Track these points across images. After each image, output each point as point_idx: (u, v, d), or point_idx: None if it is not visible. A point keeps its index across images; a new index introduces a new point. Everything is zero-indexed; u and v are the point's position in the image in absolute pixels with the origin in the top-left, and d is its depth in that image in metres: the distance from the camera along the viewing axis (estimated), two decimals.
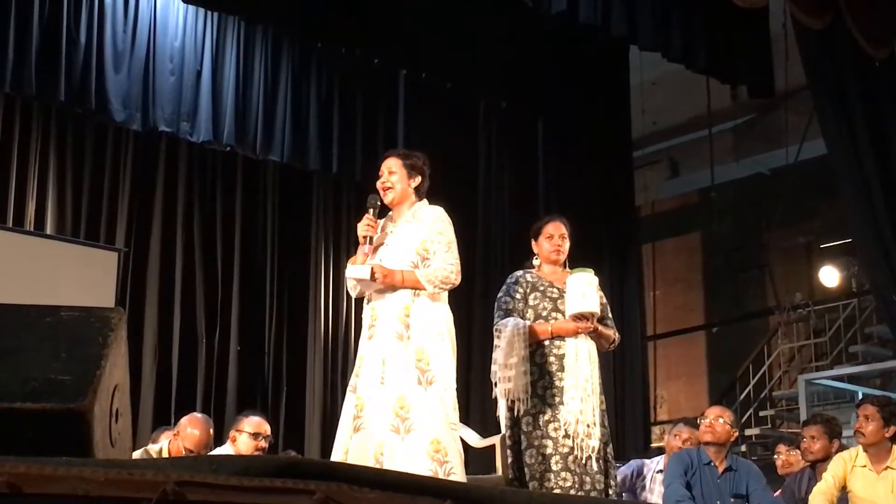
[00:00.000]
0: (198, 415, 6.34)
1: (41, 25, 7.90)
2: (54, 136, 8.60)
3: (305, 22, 9.28)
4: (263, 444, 6.12)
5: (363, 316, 4.74)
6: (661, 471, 6.56)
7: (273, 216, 9.92)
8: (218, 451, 6.15)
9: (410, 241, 4.69)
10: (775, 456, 7.33)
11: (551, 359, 5.09)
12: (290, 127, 9.17)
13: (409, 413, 4.40)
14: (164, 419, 8.35)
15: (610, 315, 5.41)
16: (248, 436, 6.09)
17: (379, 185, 4.83)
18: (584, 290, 5.08)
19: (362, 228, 4.71)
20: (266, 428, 6.21)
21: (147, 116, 8.42)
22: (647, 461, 7.08)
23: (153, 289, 9.07)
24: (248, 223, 9.76)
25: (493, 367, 5.16)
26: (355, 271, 4.68)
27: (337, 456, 4.49)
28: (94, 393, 2.24)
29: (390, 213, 4.88)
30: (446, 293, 4.72)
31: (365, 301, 4.76)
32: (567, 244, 5.37)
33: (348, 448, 4.48)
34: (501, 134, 10.56)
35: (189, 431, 5.98)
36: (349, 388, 4.64)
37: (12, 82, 7.80)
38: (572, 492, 4.85)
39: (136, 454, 5.54)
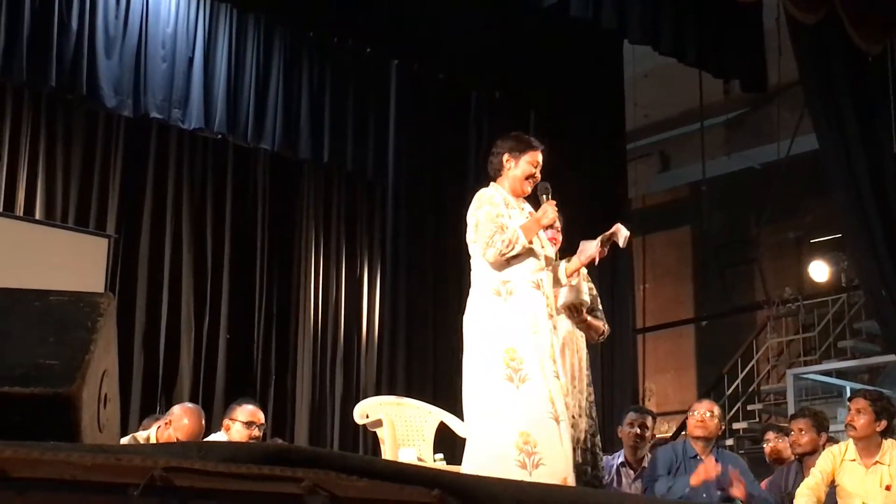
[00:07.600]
0: (190, 405, 6.30)
1: (32, 11, 7.86)
2: (45, 122, 8.56)
3: (298, 11, 9.26)
4: (257, 433, 6.10)
5: (537, 302, 4.69)
6: (623, 464, 6.49)
7: (263, 204, 9.90)
8: (211, 437, 6.14)
9: None
10: (764, 443, 7.33)
11: None
12: (281, 115, 9.16)
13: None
14: (152, 406, 8.34)
15: (600, 307, 5.42)
16: (241, 425, 6.07)
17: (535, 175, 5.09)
18: (574, 281, 5.08)
19: (554, 214, 4.81)
20: (260, 416, 6.20)
21: (138, 103, 8.40)
22: (606, 457, 6.94)
23: (143, 275, 9.05)
24: (239, 211, 9.74)
25: None
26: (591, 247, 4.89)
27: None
28: (83, 378, 2.24)
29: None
30: None
31: (534, 286, 4.73)
32: (560, 237, 5.37)
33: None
34: (493, 125, 10.51)
35: (183, 422, 5.95)
36: (553, 375, 4.57)
37: (3, 68, 7.77)
38: None
39: (125, 440, 5.53)
